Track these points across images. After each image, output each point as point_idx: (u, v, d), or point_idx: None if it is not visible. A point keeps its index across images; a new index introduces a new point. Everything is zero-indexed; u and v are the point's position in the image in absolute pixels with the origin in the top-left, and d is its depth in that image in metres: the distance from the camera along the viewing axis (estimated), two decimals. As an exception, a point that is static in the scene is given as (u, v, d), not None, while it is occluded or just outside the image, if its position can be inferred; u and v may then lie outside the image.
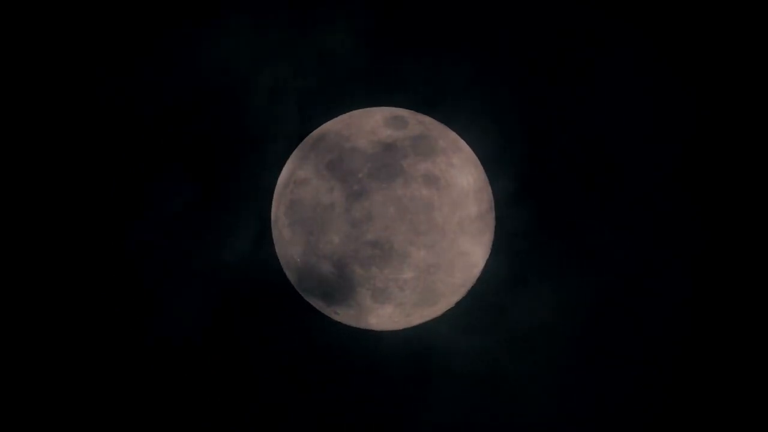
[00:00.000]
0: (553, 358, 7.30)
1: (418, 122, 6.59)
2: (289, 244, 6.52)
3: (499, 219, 6.87)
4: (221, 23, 7.29)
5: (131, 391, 7.26)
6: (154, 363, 7.22)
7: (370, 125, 6.47)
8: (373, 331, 6.86)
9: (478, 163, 6.80)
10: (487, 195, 6.72)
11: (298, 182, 6.47)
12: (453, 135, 6.76)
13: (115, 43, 7.22)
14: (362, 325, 6.73)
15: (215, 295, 7.25)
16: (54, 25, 7.18)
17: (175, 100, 7.26)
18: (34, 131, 7.22)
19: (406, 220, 6.10)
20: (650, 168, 7.27)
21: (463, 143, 6.78)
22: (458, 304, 6.86)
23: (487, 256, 6.76)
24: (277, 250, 6.81)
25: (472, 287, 6.82)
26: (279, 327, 7.32)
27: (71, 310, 7.25)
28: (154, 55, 7.24)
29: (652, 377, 7.23)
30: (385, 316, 6.52)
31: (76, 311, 7.26)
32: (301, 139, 6.84)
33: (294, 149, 6.82)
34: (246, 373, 7.38)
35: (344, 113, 6.81)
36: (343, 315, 6.65)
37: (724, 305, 7.23)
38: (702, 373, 7.24)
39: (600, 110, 7.30)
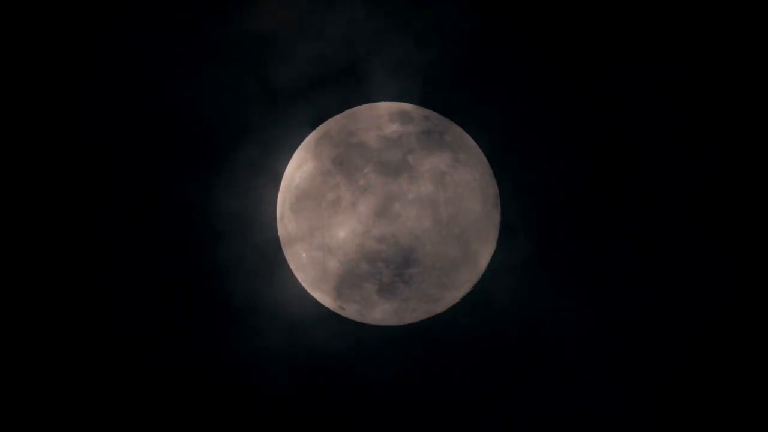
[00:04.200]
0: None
1: (423, 117, 6.60)
2: (294, 239, 6.53)
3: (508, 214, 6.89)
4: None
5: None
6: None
7: (375, 120, 6.48)
8: (378, 326, 6.87)
9: (484, 159, 6.80)
10: (492, 191, 6.72)
11: (304, 178, 6.47)
12: (458, 130, 6.77)
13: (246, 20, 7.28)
14: (368, 320, 6.74)
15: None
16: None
17: (298, 74, 7.26)
18: (138, 109, 7.27)
19: (412, 215, 6.11)
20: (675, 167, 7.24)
21: (469, 139, 6.79)
22: (463, 299, 6.86)
23: (492, 252, 6.76)
24: (282, 247, 6.82)
25: (477, 282, 6.83)
26: (282, 321, 7.32)
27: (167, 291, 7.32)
28: (276, 34, 7.24)
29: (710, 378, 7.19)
30: (390, 311, 6.52)
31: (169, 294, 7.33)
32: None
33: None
34: (246, 370, 7.39)
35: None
36: (348, 310, 6.65)
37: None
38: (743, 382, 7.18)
39: (610, 108, 7.30)
